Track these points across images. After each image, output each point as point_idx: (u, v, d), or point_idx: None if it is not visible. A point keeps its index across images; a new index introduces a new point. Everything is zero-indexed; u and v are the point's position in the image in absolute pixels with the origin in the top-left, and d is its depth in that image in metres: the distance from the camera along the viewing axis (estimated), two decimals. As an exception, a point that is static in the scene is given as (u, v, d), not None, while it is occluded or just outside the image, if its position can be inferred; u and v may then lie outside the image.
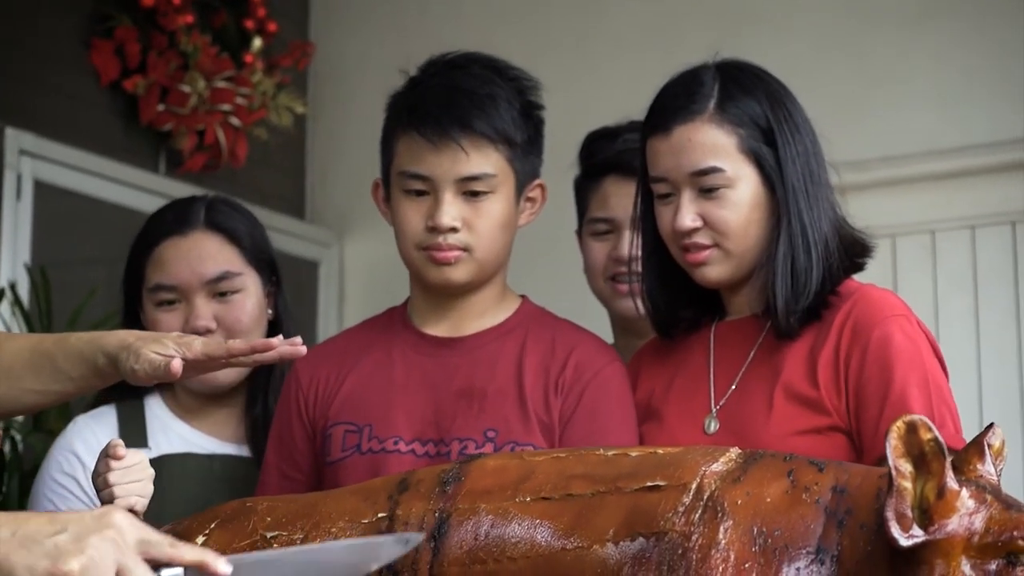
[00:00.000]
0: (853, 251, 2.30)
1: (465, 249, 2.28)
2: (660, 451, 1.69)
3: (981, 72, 4.48)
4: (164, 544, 1.47)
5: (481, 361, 2.32)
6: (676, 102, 2.27)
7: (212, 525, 1.88)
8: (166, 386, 2.57)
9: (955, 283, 4.49)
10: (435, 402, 2.29)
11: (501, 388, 2.29)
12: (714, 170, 2.23)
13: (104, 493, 2.03)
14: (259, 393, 2.58)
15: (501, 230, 2.31)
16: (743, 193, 2.24)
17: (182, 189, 4.46)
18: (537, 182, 2.39)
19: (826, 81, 4.50)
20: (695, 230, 2.24)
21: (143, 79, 4.91)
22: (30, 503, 2.58)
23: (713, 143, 2.23)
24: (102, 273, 4.39)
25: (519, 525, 1.66)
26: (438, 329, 2.36)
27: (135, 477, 2.04)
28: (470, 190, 2.27)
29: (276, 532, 1.84)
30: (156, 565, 1.47)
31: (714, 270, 2.26)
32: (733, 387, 2.26)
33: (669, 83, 2.33)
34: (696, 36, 4.66)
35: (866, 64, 4.68)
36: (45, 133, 4.61)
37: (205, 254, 2.54)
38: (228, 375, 2.50)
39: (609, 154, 2.77)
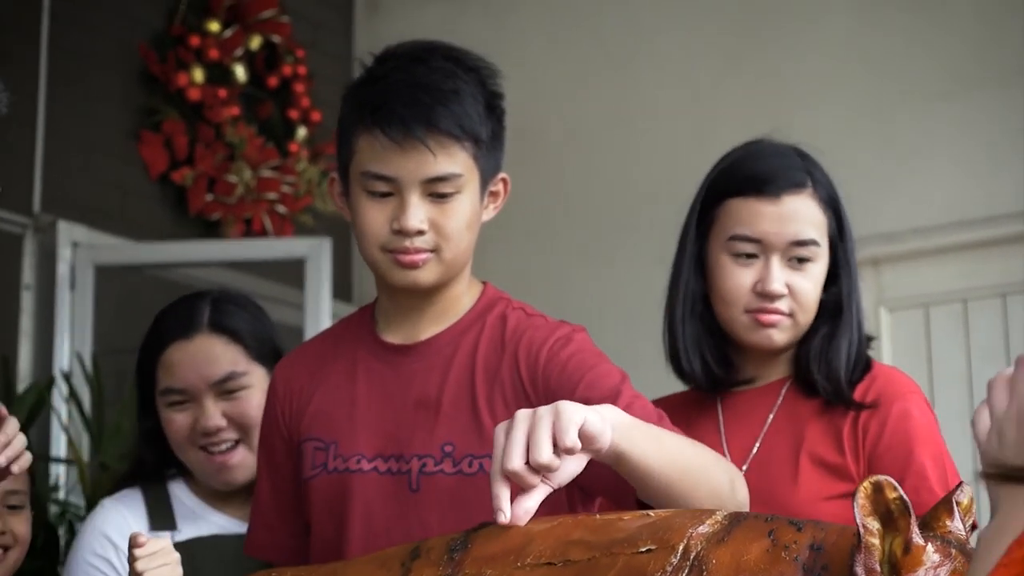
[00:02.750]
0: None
1: (433, 250, 2.17)
2: (652, 515, 1.76)
3: (1006, 143, 4.53)
4: None
5: (436, 367, 2.22)
6: (781, 172, 2.34)
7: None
8: (188, 473, 2.65)
9: (988, 351, 4.53)
10: (395, 415, 2.21)
11: (455, 395, 2.19)
12: (813, 243, 2.33)
13: None
14: None
15: (468, 229, 2.20)
16: (821, 270, 2.35)
17: (234, 278, 4.57)
18: (500, 176, 2.26)
19: (856, 155, 4.56)
20: (780, 296, 2.32)
21: (191, 170, 5.01)
22: None
23: (816, 218, 2.33)
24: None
25: (521, 589, 1.73)
26: (397, 335, 2.26)
27: (161, 562, 2.10)
28: (436, 191, 2.16)
29: (301, 599, 1.93)
30: None
31: (782, 335, 2.34)
32: (754, 452, 2.34)
33: (761, 151, 2.39)
34: (728, 109, 4.75)
35: (895, 138, 4.75)
36: (96, 225, 4.72)
37: (211, 357, 2.60)
38: (243, 473, 2.58)
39: None
